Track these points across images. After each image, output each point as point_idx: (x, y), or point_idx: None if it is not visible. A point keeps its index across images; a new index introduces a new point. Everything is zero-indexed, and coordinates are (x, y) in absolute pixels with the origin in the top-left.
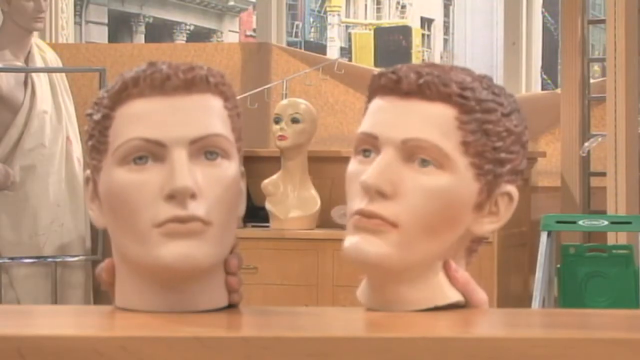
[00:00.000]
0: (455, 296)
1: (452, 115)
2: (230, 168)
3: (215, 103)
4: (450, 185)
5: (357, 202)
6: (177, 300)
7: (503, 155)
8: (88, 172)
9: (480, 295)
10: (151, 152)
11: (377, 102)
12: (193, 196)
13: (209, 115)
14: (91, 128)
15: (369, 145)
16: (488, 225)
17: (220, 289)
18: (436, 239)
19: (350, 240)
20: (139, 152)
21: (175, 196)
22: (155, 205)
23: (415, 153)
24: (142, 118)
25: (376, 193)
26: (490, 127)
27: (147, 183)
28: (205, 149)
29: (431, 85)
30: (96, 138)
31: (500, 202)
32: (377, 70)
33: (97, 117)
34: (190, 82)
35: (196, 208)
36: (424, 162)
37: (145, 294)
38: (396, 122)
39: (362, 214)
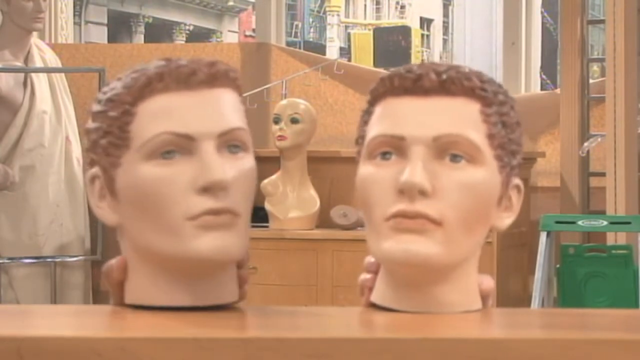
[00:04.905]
0: (480, 302)
1: (477, 108)
2: (250, 161)
3: (234, 97)
4: (484, 179)
5: (389, 204)
6: (201, 293)
7: (515, 147)
8: (94, 170)
9: (490, 302)
10: (180, 146)
11: (392, 104)
12: (224, 188)
13: (231, 109)
14: (107, 125)
15: (389, 147)
16: (507, 220)
17: (235, 282)
18: (473, 236)
19: (393, 243)
20: (168, 147)
21: (210, 189)
22: (187, 198)
23: (447, 149)
24: (168, 113)
25: (417, 193)
26: (506, 119)
27: (177, 177)
28: (229, 142)
29: (455, 81)
30: (114, 134)
31: (512, 195)
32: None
33: (114, 113)
34: (214, 77)
35: (228, 200)
36: (456, 158)
37: (169, 288)
38: (423, 120)
39: (406, 215)
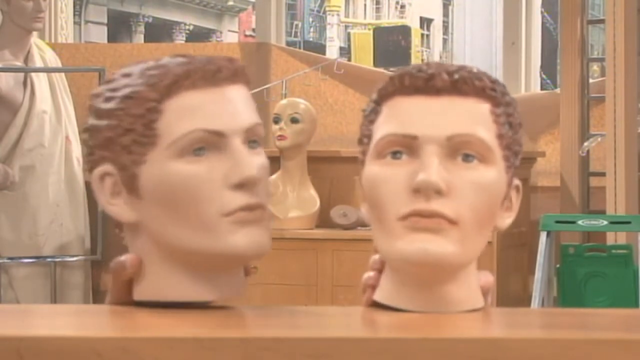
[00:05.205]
0: (482, 299)
1: (487, 109)
2: (264, 155)
3: (248, 93)
4: (495, 178)
5: (403, 204)
6: (222, 286)
7: (517, 147)
8: (105, 167)
9: (489, 299)
10: (210, 142)
11: (401, 103)
12: (257, 184)
13: (250, 104)
14: (128, 122)
15: (400, 147)
16: (507, 220)
17: (243, 273)
18: (484, 234)
19: (409, 243)
20: (199, 144)
21: (244, 185)
22: (221, 195)
23: (459, 149)
24: (198, 110)
25: (433, 192)
26: (512, 120)
27: (210, 173)
28: (250, 138)
29: (467, 81)
30: (138, 132)
31: (512, 195)
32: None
33: (137, 111)
34: (234, 73)
35: (259, 196)
36: (468, 157)
37: (192, 283)
38: (436, 120)
39: (422, 214)
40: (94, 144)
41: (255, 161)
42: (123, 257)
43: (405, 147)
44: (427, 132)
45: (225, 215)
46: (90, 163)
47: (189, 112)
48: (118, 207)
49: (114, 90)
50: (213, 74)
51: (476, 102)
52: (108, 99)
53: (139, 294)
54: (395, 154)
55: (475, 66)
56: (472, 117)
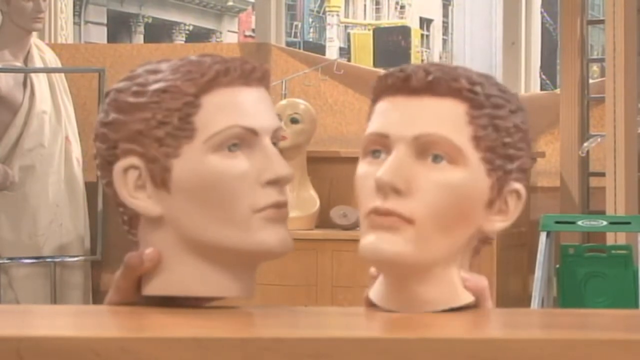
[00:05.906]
0: (468, 297)
1: (463, 110)
2: None
3: (269, 96)
4: (464, 180)
5: (370, 201)
6: (244, 283)
7: (512, 151)
8: (130, 159)
9: (489, 304)
10: (244, 139)
11: (385, 103)
12: (288, 183)
13: (272, 106)
14: (163, 115)
15: (378, 146)
16: (498, 224)
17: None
18: (450, 236)
19: (366, 239)
20: (235, 140)
21: (277, 182)
22: (254, 191)
23: (427, 149)
24: (236, 107)
25: (391, 190)
26: (500, 123)
27: (245, 169)
28: (273, 140)
29: (441, 81)
30: (174, 125)
31: (509, 200)
32: (376, 70)
33: (174, 104)
34: (263, 75)
35: (286, 195)
36: (437, 158)
37: (217, 279)
38: (407, 119)
39: (377, 212)
40: (118, 137)
41: (284, 161)
42: (138, 252)
43: (382, 146)
44: (396, 132)
45: (257, 212)
46: (111, 157)
47: (227, 108)
48: (141, 201)
49: (142, 85)
50: (249, 73)
51: (452, 103)
52: (137, 93)
53: (154, 288)
54: (375, 153)
55: (462, 66)
56: (442, 118)
